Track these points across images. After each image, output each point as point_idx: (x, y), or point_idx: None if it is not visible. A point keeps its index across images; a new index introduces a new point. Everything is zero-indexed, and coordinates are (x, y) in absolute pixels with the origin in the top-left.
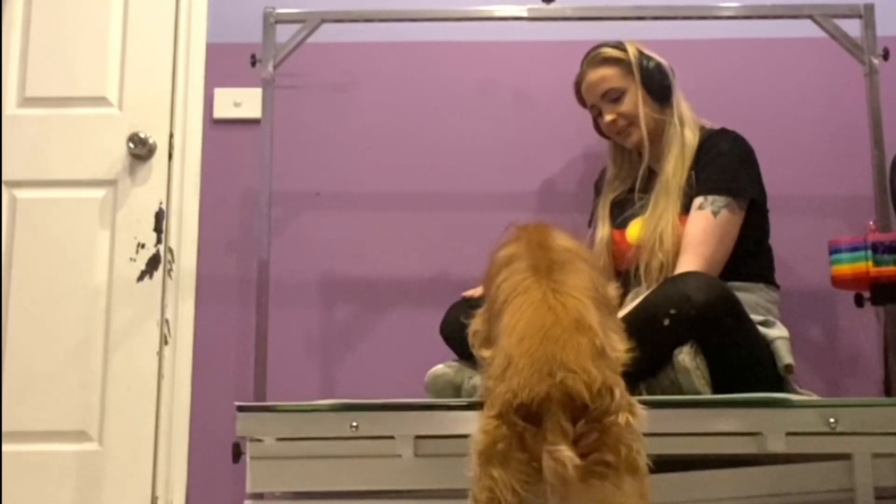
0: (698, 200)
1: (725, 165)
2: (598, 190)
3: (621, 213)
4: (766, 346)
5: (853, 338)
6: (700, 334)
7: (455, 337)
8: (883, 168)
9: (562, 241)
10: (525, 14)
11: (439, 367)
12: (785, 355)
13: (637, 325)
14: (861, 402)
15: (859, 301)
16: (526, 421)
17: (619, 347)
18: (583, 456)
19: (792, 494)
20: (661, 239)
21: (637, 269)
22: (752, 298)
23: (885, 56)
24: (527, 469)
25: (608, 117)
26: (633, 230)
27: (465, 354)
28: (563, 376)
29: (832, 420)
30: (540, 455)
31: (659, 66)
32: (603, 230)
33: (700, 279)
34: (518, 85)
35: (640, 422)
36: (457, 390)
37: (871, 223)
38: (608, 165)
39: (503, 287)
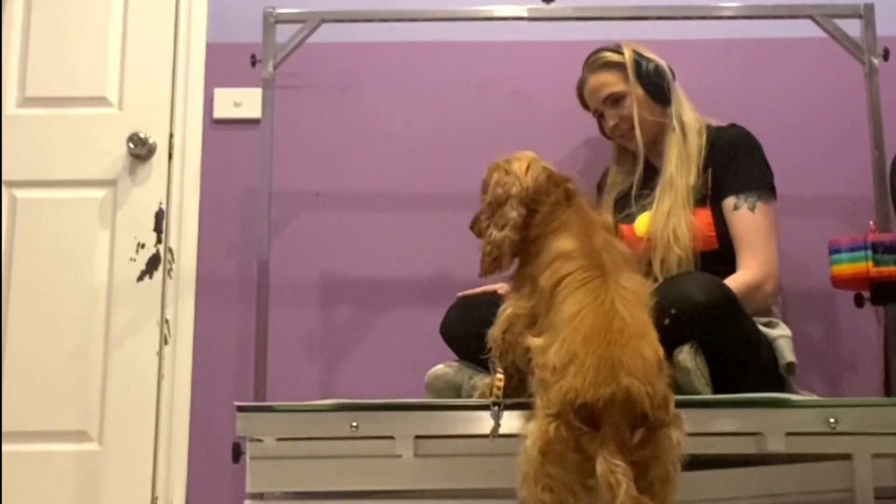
0: (731, 201)
1: (746, 161)
2: (600, 189)
3: (626, 208)
4: (767, 345)
5: (853, 338)
6: (700, 333)
7: (455, 337)
8: (883, 168)
9: (619, 245)
10: (525, 14)
11: (439, 368)
12: (787, 354)
13: None
14: (861, 402)
15: (859, 301)
16: (584, 423)
17: (665, 360)
18: (634, 464)
19: (792, 494)
20: (675, 234)
21: (650, 264)
22: None
23: (885, 56)
24: (582, 471)
25: (611, 122)
26: (641, 224)
27: (465, 355)
28: (629, 382)
29: (832, 420)
30: (594, 458)
31: (657, 67)
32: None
33: (700, 278)
34: (518, 85)
35: (685, 437)
36: (457, 390)
37: (871, 223)
38: (611, 165)
39: (568, 279)
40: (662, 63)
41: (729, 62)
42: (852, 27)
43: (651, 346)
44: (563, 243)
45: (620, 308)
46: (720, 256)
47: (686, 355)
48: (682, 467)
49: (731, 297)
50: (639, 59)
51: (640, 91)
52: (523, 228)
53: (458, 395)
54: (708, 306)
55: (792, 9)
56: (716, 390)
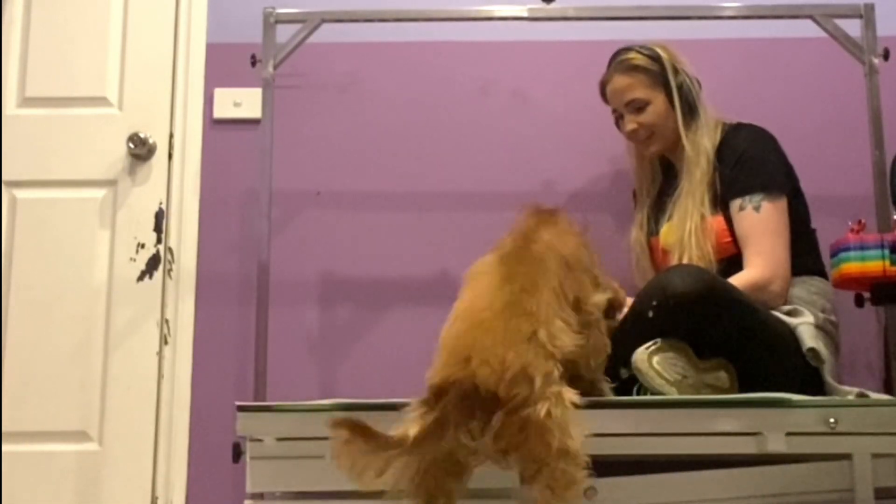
0: (736, 203)
1: (751, 163)
2: (635, 196)
3: (656, 219)
4: (788, 333)
5: (853, 338)
6: (684, 324)
7: None
8: (883, 168)
9: (548, 234)
10: (525, 14)
11: None
12: (807, 340)
13: (628, 320)
14: (861, 402)
15: (859, 301)
16: (448, 408)
17: (565, 339)
18: (504, 452)
19: (792, 494)
20: (690, 241)
21: None
22: (792, 292)
23: (886, 56)
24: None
25: (629, 126)
26: (664, 236)
27: None
28: (476, 364)
29: (832, 420)
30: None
31: (688, 82)
32: (635, 235)
33: (683, 270)
34: (518, 85)
35: (567, 410)
36: None
37: (851, 223)
38: (632, 165)
39: (470, 272)
40: (693, 75)
41: (729, 62)
42: (852, 27)
43: (516, 320)
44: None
45: (496, 288)
46: (741, 261)
47: (639, 356)
48: (580, 437)
49: (716, 286)
50: (671, 69)
51: (665, 100)
52: None
53: None
54: (686, 297)
55: (792, 9)
56: (740, 383)
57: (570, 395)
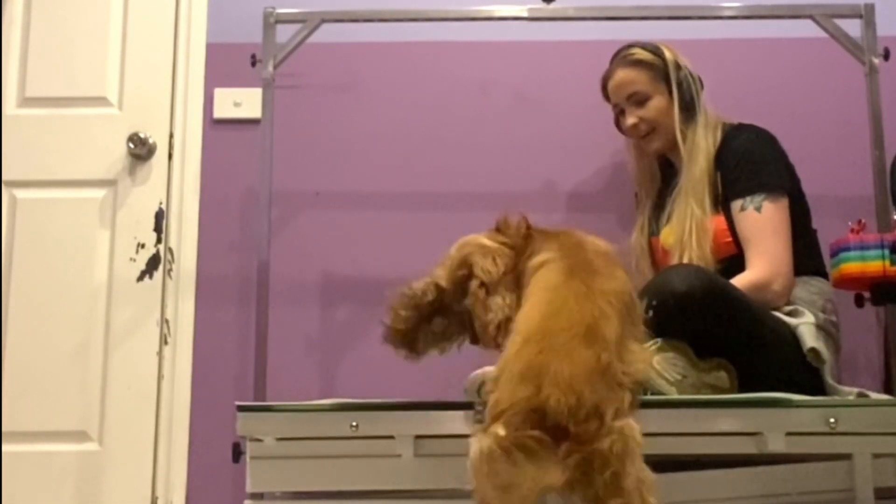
0: (737, 203)
1: (752, 163)
2: (638, 197)
3: (656, 218)
4: (788, 334)
5: (853, 338)
6: (684, 324)
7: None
8: (883, 168)
9: (598, 243)
10: (525, 14)
11: (478, 372)
12: (808, 340)
13: None
14: (861, 402)
15: (859, 301)
16: (511, 434)
17: (638, 365)
18: (568, 482)
19: (792, 494)
20: (690, 241)
21: None
22: (793, 292)
23: (886, 56)
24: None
25: (630, 120)
26: (665, 236)
27: None
28: (549, 392)
29: (832, 420)
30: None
31: (689, 78)
32: (635, 237)
33: (683, 270)
34: (518, 85)
35: (637, 445)
36: None
37: (852, 224)
38: (632, 165)
39: (535, 277)
40: (694, 72)
41: (729, 62)
42: (852, 27)
43: (592, 349)
44: (542, 256)
45: (572, 305)
46: (740, 261)
47: None
48: (637, 474)
49: (716, 286)
50: (672, 66)
51: (666, 97)
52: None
53: None
54: (686, 296)
55: (792, 9)
56: (740, 383)
57: (636, 430)
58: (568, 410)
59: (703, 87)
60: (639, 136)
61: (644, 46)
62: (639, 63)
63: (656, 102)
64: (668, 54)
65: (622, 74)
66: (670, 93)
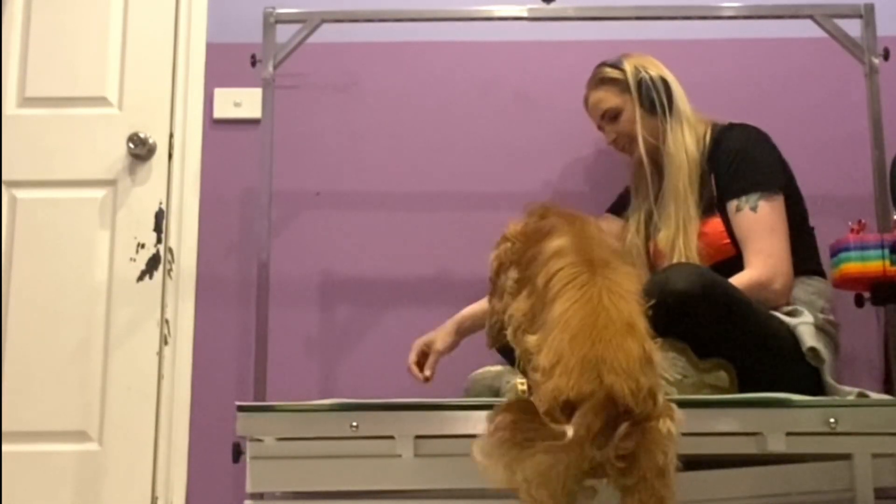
0: (733, 204)
1: (745, 163)
2: (622, 197)
3: (652, 223)
4: (788, 333)
5: (853, 338)
6: (683, 324)
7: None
8: (883, 168)
9: (609, 239)
10: (525, 14)
11: (480, 371)
12: (807, 339)
13: None
14: (861, 402)
15: (859, 301)
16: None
17: (658, 353)
18: (621, 458)
19: (792, 494)
20: (678, 243)
21: None
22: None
23: (886, 56)
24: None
25: (610, 137)
26: (660, 241)
27: (513, 361)
28: (611, 380)
29: (832, 420)
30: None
31: (652, 79)
32: (630, 238)
33: (682, 269)
34: (518, 85)
35: (679, 426)
36: (495, 393)
37: (852, 224)
38: (629, 171)
39: (558, 275)
40: (664, 74)
41: (729, 62)
42: (852, 27)
43: (636, 340)
44: (556, 242)
45: (607, 302)
46: (739, 262)
47: None
48: (679, 462)
49: (715, 285)
50: (632, 73)
51: (636, 106)
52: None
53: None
54: (684, 295)
55: (792, 9)
56: (740, 383)
57: (679, 413)
58: (630, 394)
59: (672, 89)
60: (622, 149)
61: (609, 63)
62: (605, 81)
63: (627, 115)
64: (627, 65)
65: (594, 96)
66: (640, 102)
